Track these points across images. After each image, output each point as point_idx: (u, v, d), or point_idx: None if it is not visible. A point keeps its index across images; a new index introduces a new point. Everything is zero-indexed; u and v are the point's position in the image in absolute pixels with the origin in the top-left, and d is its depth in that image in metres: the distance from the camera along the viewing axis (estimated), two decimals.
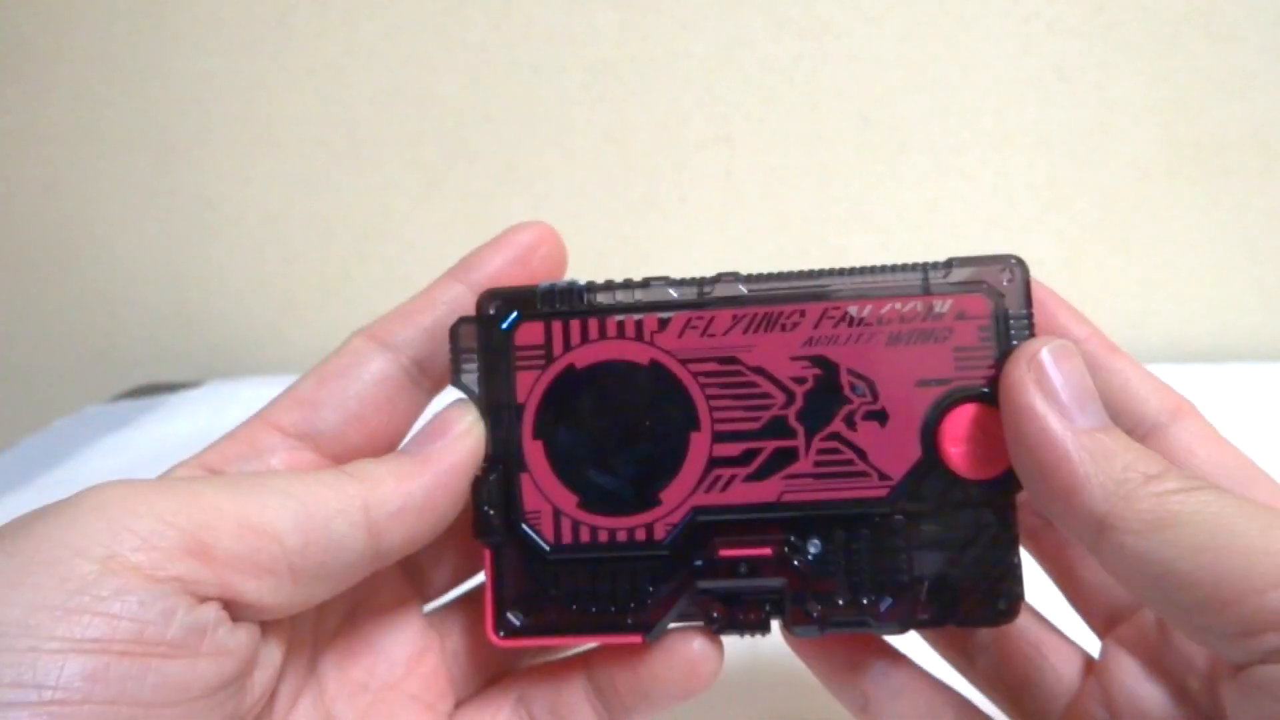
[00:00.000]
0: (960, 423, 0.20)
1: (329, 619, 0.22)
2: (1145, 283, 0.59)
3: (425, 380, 0.23)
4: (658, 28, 0.53)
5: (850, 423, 0.21)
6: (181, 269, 0.63)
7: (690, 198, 0.57)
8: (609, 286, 0.22)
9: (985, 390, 0.20)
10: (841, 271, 0.21)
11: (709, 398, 0.21)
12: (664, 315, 0.21)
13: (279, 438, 0.21)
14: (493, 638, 0.21)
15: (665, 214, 0.58)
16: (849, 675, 0.22)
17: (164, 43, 0.58)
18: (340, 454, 0.22)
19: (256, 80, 0.57)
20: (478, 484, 0.21)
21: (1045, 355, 0.19)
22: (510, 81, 0.55)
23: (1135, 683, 0.21)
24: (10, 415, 0.68)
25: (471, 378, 0.21)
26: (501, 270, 0.22)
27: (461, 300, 0.22)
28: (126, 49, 0.58)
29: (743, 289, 0.21)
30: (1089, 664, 0.23)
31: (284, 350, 0.64)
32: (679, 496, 0.21)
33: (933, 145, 0.55)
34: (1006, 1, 0.52)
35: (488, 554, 0.21)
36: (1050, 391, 0.19)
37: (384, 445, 0.22)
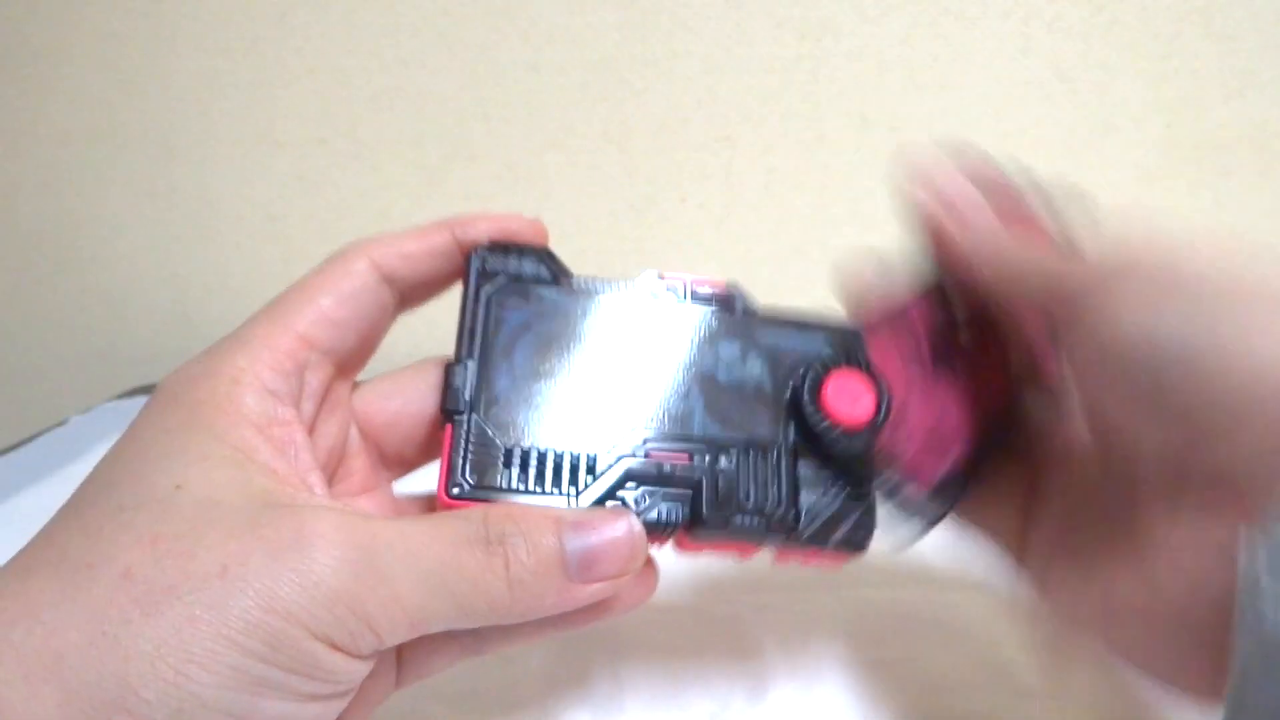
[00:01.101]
0: (837, 381, 0.26)
1: None
2: None
3: (402, 309, 0.27)
4: (658, 28, 0.53)
5: None
6: (181, 269, 0.63)
7: (690, 198, 0.57)
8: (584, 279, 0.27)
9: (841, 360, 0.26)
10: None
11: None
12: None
13: (309, 353, 0.24)
14: (443, 498, 0.23)
15: (665, 214, 0.58)
16: None
17: (164, 42, 0.58)
18: (348, 369, 0.26)
19: (256, 80, 0.57)
20: (451, 367, 0.24)
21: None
22: (510, 81, 0.55)
23: None
24: (9, 415, 0.68)
25: (475, 304, 0.25)
26: (487, 236, 0.26)
27: (451, 249, 0.26)
28: (127, 48, 0.58)
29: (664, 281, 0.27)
30: None
31: None
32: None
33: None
34: (1006, 1, 0.52)
35: (449, 428, 0.24)
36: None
37: (367, 358, 0.27)
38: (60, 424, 0.53)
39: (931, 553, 0.38)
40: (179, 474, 0.20)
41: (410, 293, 0.27)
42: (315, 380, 0.25)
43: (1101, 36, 0.52)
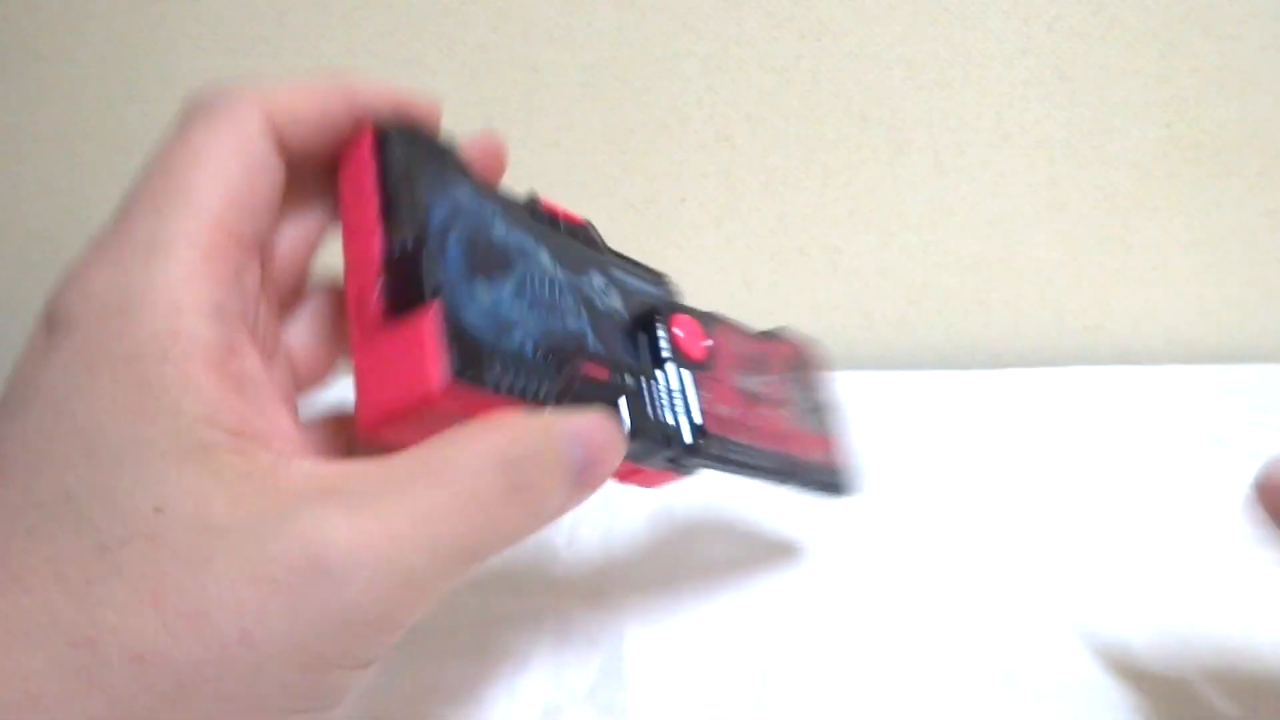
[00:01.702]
0: (679, 321, 0.29)
1: None
2: (1145, 283, 0.59)
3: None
4: (658, 28, 0.53)
5: None
6: None
7: (690, 198, 0.57)
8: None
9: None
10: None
11: None
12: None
13: (240, 251, 0.20)
14: (445, 381, 0.19)
15: (665, 214, 0.58)
16: None
17: (164, 42, 0.58)
18: (254, 244, 0.21)
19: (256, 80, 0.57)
20: (417, 249, 0.20)
21: None
22: (510, 81, 0.55)
23: None
24: None
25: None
26: (382, 108, 0.22)
27: (342, 118, 0.22)
28: (126, 48, 0.58)
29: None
30: None
31: None
32: None
33: (933, 145, 0.55)
34: (1006, 1, 0.52)
35: (435, 305, 0.19)
36: None
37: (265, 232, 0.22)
38: None
39: (934, 555, 0.38)
40: (154, 491, 0.17)
41: (290, 172, 0.21)
42: (251, 283, 0.20)
43: (1101, 36, 0.52)
